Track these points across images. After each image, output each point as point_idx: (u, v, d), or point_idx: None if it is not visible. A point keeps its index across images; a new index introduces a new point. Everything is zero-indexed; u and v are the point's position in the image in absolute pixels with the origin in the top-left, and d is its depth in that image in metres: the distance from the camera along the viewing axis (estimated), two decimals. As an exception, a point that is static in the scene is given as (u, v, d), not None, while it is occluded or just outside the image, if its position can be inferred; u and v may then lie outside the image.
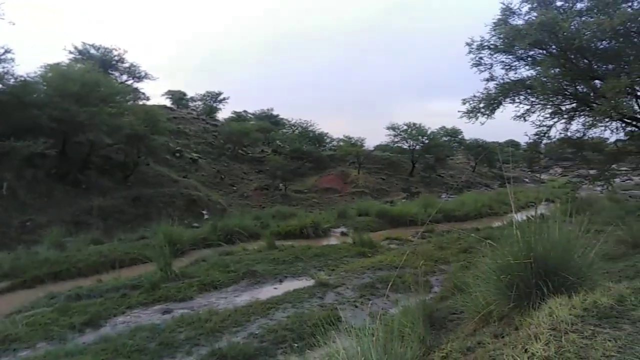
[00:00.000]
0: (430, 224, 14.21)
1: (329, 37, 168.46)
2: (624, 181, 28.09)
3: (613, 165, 13.21)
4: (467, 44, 11.88)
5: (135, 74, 30.08)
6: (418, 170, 33.27)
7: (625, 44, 9.84)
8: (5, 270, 9.28)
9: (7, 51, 15.53)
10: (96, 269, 10.02)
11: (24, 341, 5.62)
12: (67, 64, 21.92)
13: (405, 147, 34.13)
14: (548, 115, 12.13)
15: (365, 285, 8.10)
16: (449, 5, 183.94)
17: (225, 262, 9.81)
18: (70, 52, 26.78)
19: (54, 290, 8.04)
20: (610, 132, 12.01)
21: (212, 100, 42.78)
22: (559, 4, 10.76)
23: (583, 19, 10.17)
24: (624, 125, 11.64)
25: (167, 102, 38.62)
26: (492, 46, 11.60)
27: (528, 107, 12.09)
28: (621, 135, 12.42)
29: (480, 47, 11.74)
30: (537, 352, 1.95)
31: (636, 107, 10.93)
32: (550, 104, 11.94)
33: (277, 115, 43.96)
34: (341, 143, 34.69)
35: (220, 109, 42.98)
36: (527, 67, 11.97)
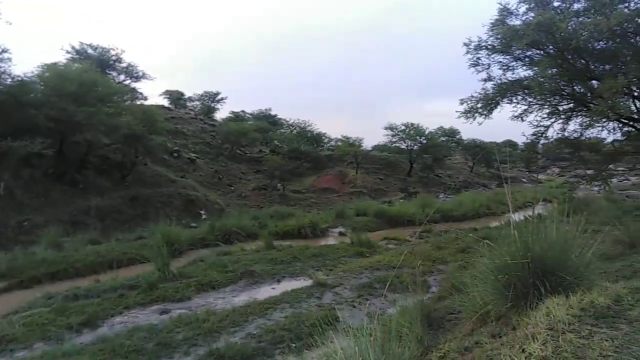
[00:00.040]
0: (428, 224, 14.21)
1: (329, 37, 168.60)
2: (621, 181, 28.21)
3: (610, 166, 13.28)
4: (465, 44, 11.93)
5: (133, 73, 30.00)
6: (416, 170, 33.31)
7: (622, 45, 9.88)
8: (2, 271, 9.23)
9: (4, 51, 15.49)
10: (94, 269, 9.98)
11: (21, 342, 5.59)
12: (64, 63, 21.85)
13: (403, 147, 34.20)
14: (545, 116, 12.19)
15: (363, 285, 8.10)
16: (448, 6, 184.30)
17: (223, 262, 9.79)
18: (68, 52, 26.70)
19: (51, 290, 7.99)
20: (608, 133, 12.09)
21: (210, 100, 42.72)
22: (556, 4, 10.81)
23: (580, 19, 10.21)
24: (621, 125, 11.69)
25: (165, 102, 38.61)
26: (489, 46, 11.63)
27: (525, 107, 12.14)
28: (618, 136, 12.49)
29: (478, 48, 11.78)
30: (535, 352, 1.95)
31: (633, 108, 10.98)
32: (548, 104, 11.98)
33: (275, 115, 43.97)
34: (339, 143, 34.71)
35: (218, 109, 42.98)
36: (524, 68, 12.04)
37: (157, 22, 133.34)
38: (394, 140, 34.22)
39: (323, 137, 36.59)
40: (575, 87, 11.29)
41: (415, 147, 33.17)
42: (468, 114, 12.12)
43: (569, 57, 10.55)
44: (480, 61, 12.03)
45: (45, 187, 15.38)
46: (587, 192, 16.90)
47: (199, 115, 37.19)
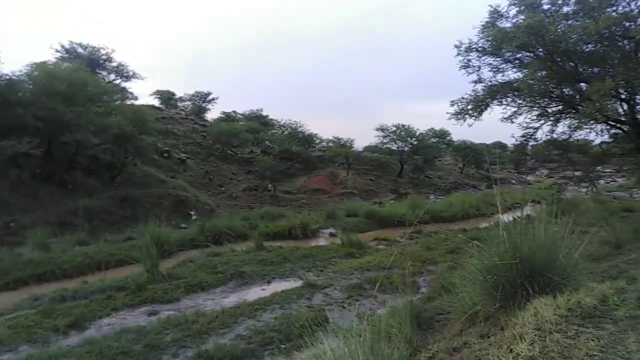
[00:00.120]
0: (418, 224, 14.27)
1: (318, 37, 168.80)
2: (608, 183, 28.59)
3: (598, 167, 13.43)
4: (456, 46, 12.00)
5: (123, 73, 29.67)
6: (407, 171, 33.43)
7: (610, 48, 10.01)
8: (-12, 272, 9.11)
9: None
10: (81, 270, 9.89)
11: (6, 344, 5.51)
12: (53, 62, 21.59)
13: (394, 148, 34.29)
14: (535, 118, 12.28)
15: (353, 286, 8.11)
16: (438, 7, 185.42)
17: (212, 263, 9.75)
18: (57, 51, 26.27)
19: (38, 292, 7.90)
20: (595, 135, 12.22)
21: (201, 100, 42.50)
22: (545, 7, 10.91)
23: (569, 22, 10.32)
24: (608, 127, 11.82)
25: (156, 102, 38.29)
26: (480, 48, 11.71)
27: (515, 109, 12.22)
28: (606, 138, 12.65)
29: (469, 50, 11.85)
30: (522, 352, 1.96)
31: (620, 110, 11.12)
32: (537, 106, 12.07)
33: (267, 116, 43.84)
34: (330, 144, 34.77)
35: (209, 109, 42.73)
36: (514, 70, 12.13)
37: (146, 21, 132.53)
38: (385, 141, 34.33)
39: (314, 138, 36.58)
40: (564, 90, 11.39)
41: (406, 149, 33.30)
42: (458, 116, 12.18)
43: (558, 59, 10.65)
44: (470, 63, 12.12)
45: (33, 188, 15.19)
46: (575, 193, 17.07)
47: (189, 115, 36.96)
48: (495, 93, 11.91)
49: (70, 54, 26.46)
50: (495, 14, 11.52)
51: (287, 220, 15.88)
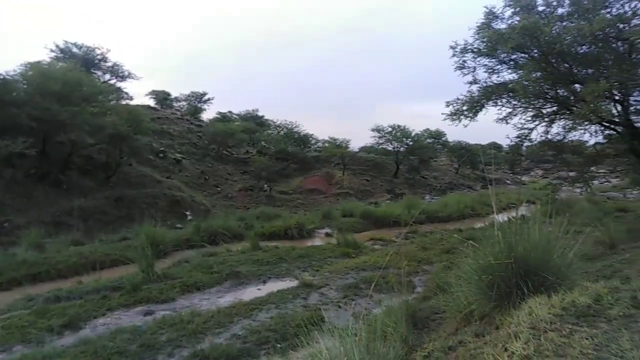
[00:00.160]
0: (413, 224, 14.30)
1: (316, 38, 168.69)
2: (602, 183, 28.71)
3: (592, 168, 13.51)
4: (451, 47, 12.05)
5: (119, 73, 29.54)
6: (402, 171, 33.49)
7: (604, 49, 10.07)
8: (-19, 272, 9.04)
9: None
10: (76, 270, 9.83)
11: (0, 344, 5.47)
12: (48, 62, 21.45)
13: (389, 148, 34.37)
14: (529, 118, 12.33)
15: (349, 285, 8.12)
16: (436, 8, 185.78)
17: (208, 263, 9.73)
18: (52, 51, 26.15)
19: (32, 292, 7.85)
20: (590, 135, 12.29)
21: (197, 100, 42.41)
22: (540, 9, 10.96)
23: (564, 24, 10.38)
24: (602, 128, 11.90)
25: (151, 102, 38.17)
26: (475, 49, 11.75)
27: (510, 110, 12.28)
28: (600, 139, 12.73)
29: (464, 51, 11.90)
30: (517, 350, 1.97)
31: (614, 111, 11.19)
32: (532, 107, 12.13)
33: (262, 116, 43.76)
34: (326, 144, 34.76)
35: (204, 109, 42.69)
36: (509, 71, 12.19)
37: (144, 21, 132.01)
38: (380, 141, 34.42)
39: (310, 138, 36.60)
40: (558, 91, 11.45)
41: (402, 149, 33.38)
42: (454, 116, 12.22)
43: (553, 60, 10.71)
44: (466, 64, 12.17)
45: (27, 188, 15.10)
46: (570, 193, 17.16)
47: (185, 115, 36.88)
48: (490, 94, 11.96)
49: (65, 53, 26.33)
50: (491, 15, 11.57)
51: (283, 220, 15.86)
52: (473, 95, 12.15)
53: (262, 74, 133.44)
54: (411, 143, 33.29)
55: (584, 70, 10.93)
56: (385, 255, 10.23)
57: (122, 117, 18.55)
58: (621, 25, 9.51)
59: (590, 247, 6.44)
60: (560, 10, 10.74)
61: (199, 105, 42.29)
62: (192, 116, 38.13)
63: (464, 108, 12.08)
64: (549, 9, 10.90)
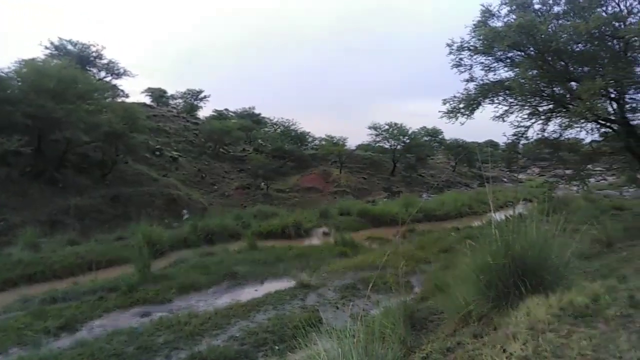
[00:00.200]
0: (411, 223, 14.31)
1: (319, 37, 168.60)
2: (598, 181, 28.83)
3: (588, 166, 13.53)
4: (448, 45, 12.03)
5: (114, 70, 29.35)
6: (399, 169, 33.53)
7: (600, 47, 10.10)
8: (-24, 273, 8.98)
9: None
10: (72, 270, 9.80)
11: (-5, 346, 5.44)
12: (43, 59, 21.28)
13: (386, 146, 34.42)
14: (526, 116, 12.35)
15: (347, 286, 8.12)
16: (434, 7, 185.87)
17: (205, 264, 9.72)
18: (47, 48, 25.95)
19: (28, 293, 7.83)
20: (586, 133, 12.32)
21: (193, 98, 42.28)
22: (537, 7, 10.98)
23: (560, 22, 10.40)
24: (598, 126, 11.92)
25: (147, 100, 38.06)
26: (472, 47, 11.75)
27: (506, 107, 12.28)
28: (596, 136, 12.76)
29: (461, 49, 11.89)
30: (515, 351, 1.97)
31: (610, 109, 11.21)
32: (528, 105, 12.15)
33: (259, 114, 43.67)
34: (323, 142, 34.73)
35: (201, 107, 42.62)
36: (506, 69, 12.18)
37: (142, 19, 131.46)
38: (377, 139, 34.47)
39: (307, 136, 36.59)
40: (554, 89, 11.47)
41: (399, 147, 33.40)
42: (450, 114, 12.22)
43: (549, 58, 10.72)
44: (462, 62, 12.16)
45: (22, 186, 15.01)
46: (566, 191, 17.19)
47: (181, 113, 36.80)
48: (486, 92, 11.96)
49: (60, 50, 26.15)
50: (487, 13, 11.57)
51: (280, 219, 15.87)
52: (470, 93, 12.15)
53: (262, 73, 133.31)
54: (408, 141, 33.32)
55: (580, 68, 10.95)
56: (383, 255, 10.21)
57: (118, 115, 18.49)
58: (617, 24, 9.53)
59: (587, 246, 6.47)
60: (556, 9, 10.77)
61: (195, 102, 42.18)
62: (189, 114, 38.04)
63: (461, 106, 12.08)
64: (545, 7, 10.93)
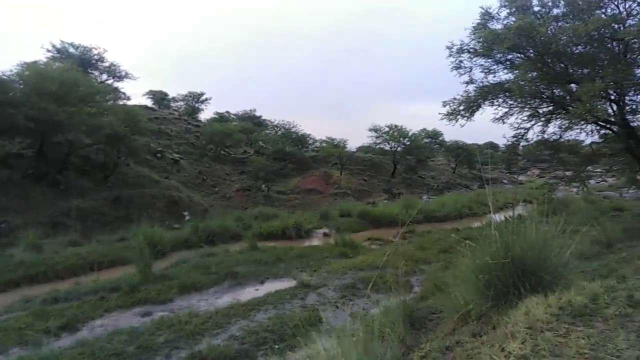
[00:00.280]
0: (411, 224, 14.31)
1: (319, 38, 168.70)
2: (598, 182, 28.81)
3: (588, 167, 13.56)
4: (448, 47, 12.09)
5: (116, 73, 29.39)
6: (399, 171, 33.50)
7: (600, 49, 10.12)
8: (-22, 274, 9.00)
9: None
10: (74, 271, 9.80)
11: (-3, 346, 5.46)
12: (45, 62, 21.34)
13: (387, 148, 34.35)
14: (526, 118, 12.39)
15: (347, 285, 8.13)
16: (440, 8, 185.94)
17: (206, 264, 9.73)
18: (49, 51, 25.96)
19: (30, 293, 7.84)
20: (586, 135, 12.36)
21: (194, 100, 42.35)
22: (536, 9, 11.01)
23: (559, 24, 10.43)
24: (598, 128, 11.96)
25: (149, 102, 38.10)
26: (471, 50, 11.79)
27: (506, 109, 12.32)
28: (596, 138, 12.81)
29: (460, 51, 11.93)
30: (514, 350, 1.98)
31: (610, 111, 11.24)
32: (528, 106, 12.18)
33: (260, 117, 43.77)
34: (324, 144, 34.73)
35: (202, 109, 42.69)
36: (505, 71, 12.23)
37: (143, 21, 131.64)
38: (378, 141, 34.37)
39: (308, 138, 36.60)
40: (554, 90, 11.50)
41: (399, 149, 33.36)
42: (451, 116, 12.26)
43: (549, 60, 10.75)
44: (462, 64, 12.22)
45: (24, 188, 15.03)
46: (566, 193, 17.21)
47: (183, 115, 36.79)
48: (486, 94, 12.00)
49: (62, 53, 26.16)
50: (487, 16, 11.61)
51: (280, 220, 15.87)
52: (469, 95, 12.19)
53: (262, 73, 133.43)
54: (408, 143, 33.28)
55: (580, 70, 10.98)
56: (383, 255, 10.22)
57: (120, 118, 18.48)
58: (616, 26, 9.57)
59: (587, 247, 6.48)
60: (555, 11, 10.82)
61: (196, 105, 42.26)
62: (190, 116, 38.04)
63: (461, 108, 12.12)
64: (544, 10, 10.96)
